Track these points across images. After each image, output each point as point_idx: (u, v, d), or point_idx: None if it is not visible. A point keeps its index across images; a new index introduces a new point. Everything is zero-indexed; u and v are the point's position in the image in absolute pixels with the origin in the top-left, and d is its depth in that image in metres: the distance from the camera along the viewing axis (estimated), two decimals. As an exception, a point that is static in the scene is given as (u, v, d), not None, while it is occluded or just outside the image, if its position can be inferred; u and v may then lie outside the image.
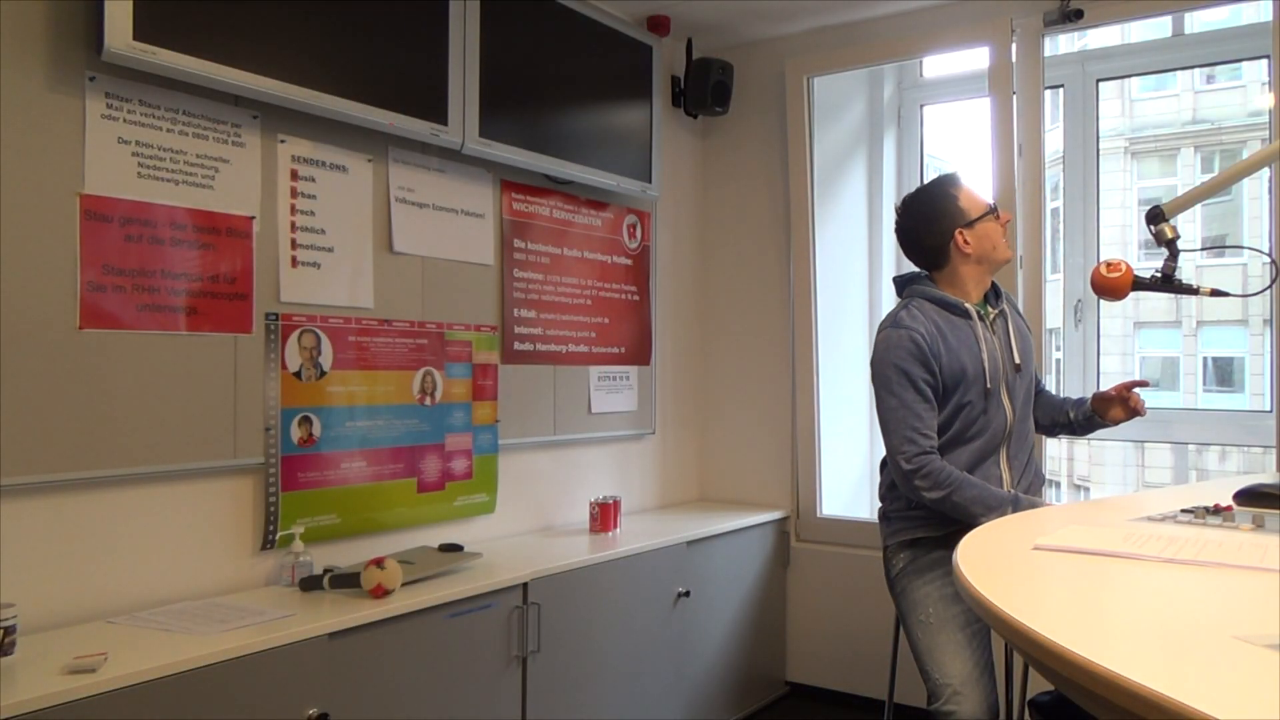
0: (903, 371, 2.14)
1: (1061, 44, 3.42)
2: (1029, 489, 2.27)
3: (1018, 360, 2.25)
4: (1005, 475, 2.22)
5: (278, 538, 2.33)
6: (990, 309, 2.28)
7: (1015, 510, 2.05)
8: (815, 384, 3.57)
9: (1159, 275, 1.80)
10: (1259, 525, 1.44)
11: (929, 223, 2.25)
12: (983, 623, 2.02)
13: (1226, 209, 3.91)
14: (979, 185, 2.30)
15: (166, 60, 2.00)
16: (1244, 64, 3.61)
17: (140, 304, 2.06)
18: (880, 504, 2.35)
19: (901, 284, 2.37)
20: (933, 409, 2.15)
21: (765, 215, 3.72)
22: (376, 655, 2.09)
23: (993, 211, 2.24)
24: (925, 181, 2.59)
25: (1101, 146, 3.43)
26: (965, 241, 2.22)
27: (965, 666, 1.99)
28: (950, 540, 1.95)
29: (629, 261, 3.43)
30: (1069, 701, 1.68)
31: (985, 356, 2.20)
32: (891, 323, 2.22)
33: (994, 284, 2.32)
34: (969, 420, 2.18)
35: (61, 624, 1.95)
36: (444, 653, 2.25)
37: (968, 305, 2.23)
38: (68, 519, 1.98)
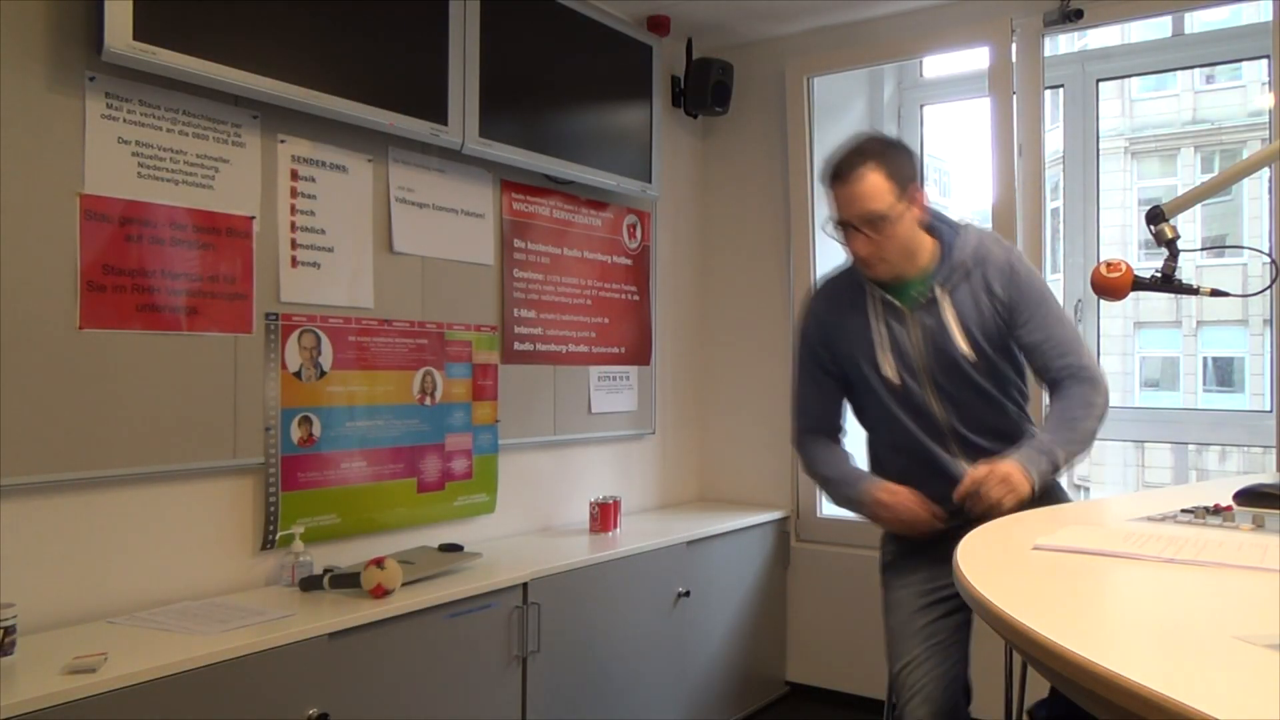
0: (798, 349, 2.12)
1: (1061, 44, 3.42)
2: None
3: (961, 348, 1.92)
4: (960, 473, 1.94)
5: (278, 538, 2.33)
6: (923, 293, 1.94)
7: (855, 490, 2.00)
8: (815, 384, 3.56)
9: (1159, 275, 1.80)
10: (1259, 525, 1.44)
11: None
12: (959, 631, 1.96)
13: (1226, 209, 3.91)
14: (843, 195, 1.88)
15: (166, 60, 2.00)
16: (1244, 64, 3.62)
17: (140, 304, 2.06)
18: None
19: None
20: (822, 390, 2.10)
21: (765, 215, 3.72)
22: (376, 655, 2.09)
23: (841, 225, 1.92)
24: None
25: (1101, 146, 3.43)
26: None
27: (924, 669, 1.90)
28: (939, 536, 1.92)
29: (629, 261, 3.43)
30: (1065, 708, 1.68)
31: (885, 346, 1.96)
32: (807, 293, 2.16)
33: (947, 243, 1.96)
34: (876, 418, 2.05)
35: (61, 624, 1.95)
36: (444, 653, 2.25)
37: (866, 288, 1.98)
38: (68, 519, 1.98)
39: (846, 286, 2.03)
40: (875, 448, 2.13)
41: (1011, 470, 1.77)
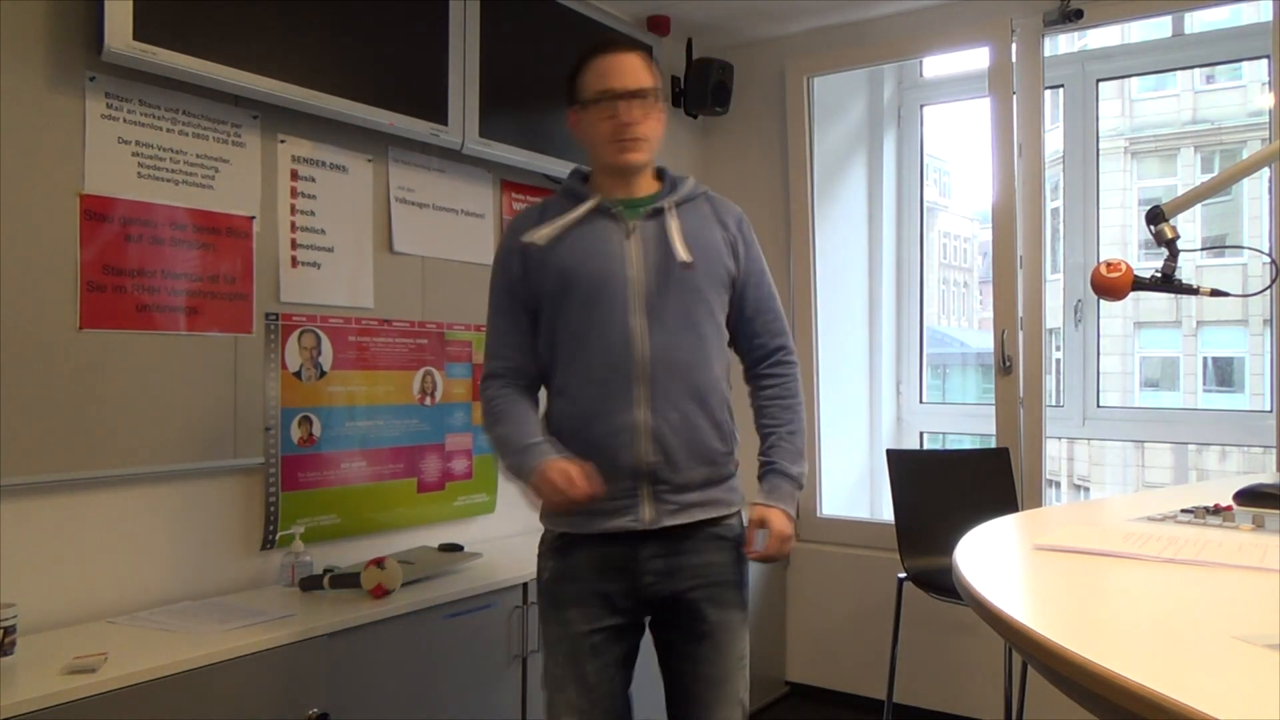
0: (496, 277, 1.83)
1: (1061, 44, 3.42)
2: (690, 455, 1.69)
3: (681, 255, 1.69)
4: (643, 424, 1.66)
5: (278, 538, 2.33)
6: (648, 205, 1.76)
7: (523, 461, 1.63)
8: (815, 384, 3.57)
9: (1159, 275, 1.80)
10: (1259, 525, 1.44)
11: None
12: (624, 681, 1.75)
13: (1226, 209, 3.91)
14: (618, 65, 1.73)
15: (166, 60, 2.00)
16: (1244, 64, 3.62)
17: (140, 304, 2.06)
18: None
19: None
20: (517, 324, 1.79)
21: (765, 215, 3.72)
22: (376, 655, 2.09)
23: (600, 101, 1.71)
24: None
25: (1101, 146, 3.43)
26: (575, 124, 1.79)
27: None
28: (607, 544, 1.66)
29: (629, 261, 3.43)
30: None
31: (604, 263, 1.70)
32: (513, 220, 1.85)
33: (672, 179, 1.85)
34: (577, 342, 1.71)
35: (61, 624, 1.95)
36: (444, 653, 2.25)
37: (591, 199, 1.74)
38: (68, 519, 1.98)
39: (555, 205, 1.78)
40: (560, 393, 1.76)
41: (786, 527, 1.72)
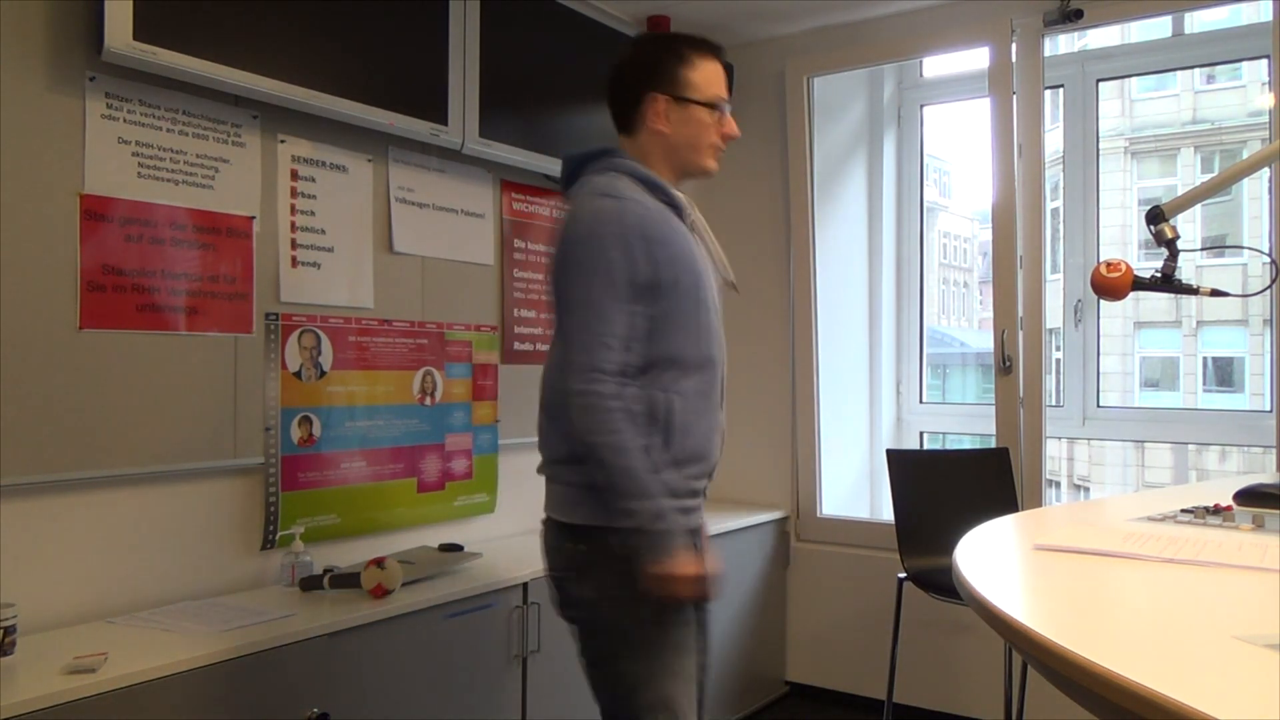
0: (616, 265, 1.58)
1: (1061, 44, 3.42)
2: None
3: (732, 278, 1.84)
4: (722, 426, 1.75)
5: (278, 537, 2.33)
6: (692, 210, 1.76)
7: (662, 525, 1.55)
8: (815, 384, 3.57)
9: (1159, 275, 1.80)
10: (1259, 525, 1.44)
11: (634, 69, 1.72)
12: None
13: (1226, 209, 3.90)
14: (726, 76, 1.76)
15: (166, 60, 2.00)
16: (1244, 64, 3.62)
17: (140, 304, 2.06)
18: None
19: (581, 159, 1.73)
20: (635, 323, 1.62)
21: (765, 215, 3.72)
22: (376, 655, 2.09)
23: (717, 108, 1.72)
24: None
25: (1101, 146, 3.43)
26: (661, 113, 1.69)
27: None
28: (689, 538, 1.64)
29: (629, 261, 3.43)
30: None
31: (702, 265, 1.70)
32: (603, 192, 1.62)
33: None
34: (706, 342, 1.69)
35: (61, 624, 1.95)
36: (444, 653, 2.25)
37: (677, 196, 1.71)
38: (68, 519, 1.98)
39: (644, 188, 1.68)
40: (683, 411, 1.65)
41: None
